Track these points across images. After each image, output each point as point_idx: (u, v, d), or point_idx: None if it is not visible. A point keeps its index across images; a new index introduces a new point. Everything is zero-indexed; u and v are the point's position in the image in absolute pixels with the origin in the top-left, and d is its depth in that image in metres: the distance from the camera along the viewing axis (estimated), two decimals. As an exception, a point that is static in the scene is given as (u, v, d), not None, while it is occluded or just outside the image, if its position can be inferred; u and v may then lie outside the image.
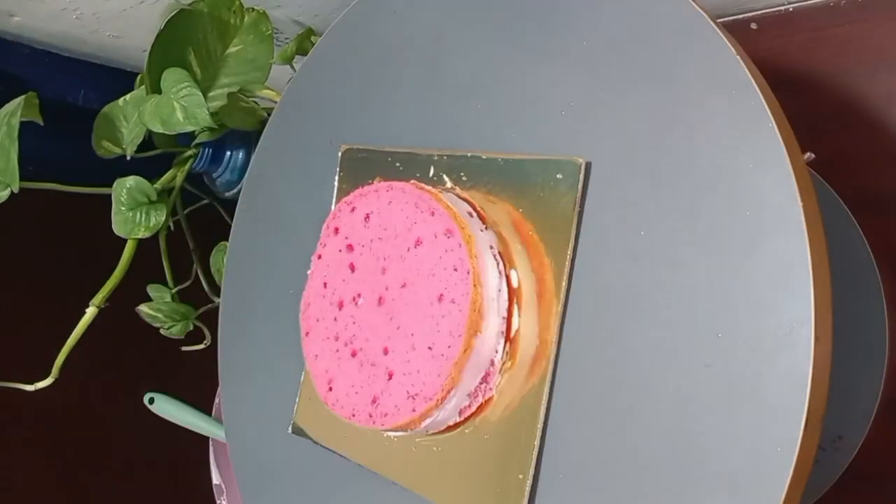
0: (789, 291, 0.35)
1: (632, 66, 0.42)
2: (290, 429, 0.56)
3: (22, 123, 0.69)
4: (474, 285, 0.42)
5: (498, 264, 0.44)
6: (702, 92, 0.39)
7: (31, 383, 0.77)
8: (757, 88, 0.37)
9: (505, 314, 0.44)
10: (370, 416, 0.47)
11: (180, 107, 0.73)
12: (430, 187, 0.47)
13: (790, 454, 0.33)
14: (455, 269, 0.43)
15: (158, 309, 0.85)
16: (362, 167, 0.55)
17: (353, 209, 0.50)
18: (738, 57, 0.38)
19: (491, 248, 0.44)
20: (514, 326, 0.44)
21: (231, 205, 0.77)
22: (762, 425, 0.34)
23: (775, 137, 0.36)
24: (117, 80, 0.90)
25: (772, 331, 0.35)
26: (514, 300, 0.44)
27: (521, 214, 0.45)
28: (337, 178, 0.57)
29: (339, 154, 0.57)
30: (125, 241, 0.79)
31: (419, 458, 0.48)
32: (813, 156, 0.37)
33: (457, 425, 0.46)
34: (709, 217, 0.38)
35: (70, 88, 0.88)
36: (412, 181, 0.49)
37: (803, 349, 0.34)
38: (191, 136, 0.83)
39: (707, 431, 0.36)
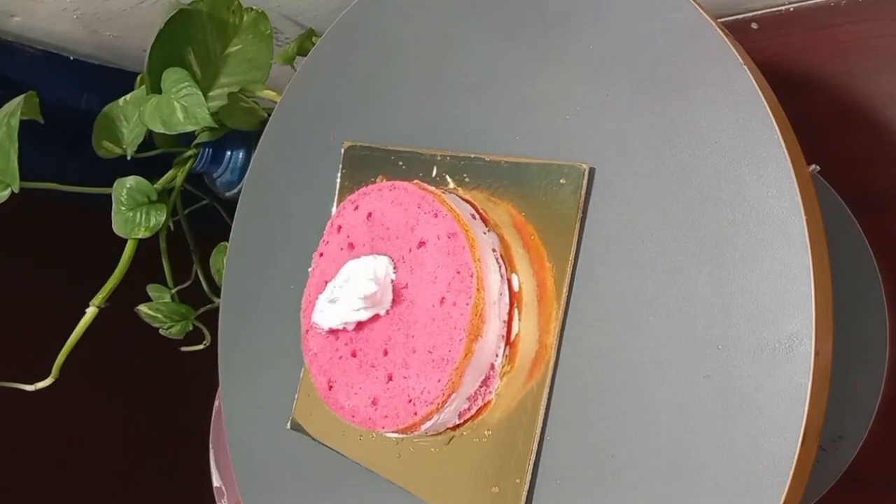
0: (791, 305, 0.34)
1: (637, 71, 0.42)
2: (288, 424, 0.56)
3: (22, 123, 0.69)
4: (477, 289, 0.42)
5: (500, 267, 0.44)
6: (707, 100, 0.39)
7: (31, 383, 0.77)
8: (763, 98, 0.37)
9: (506, 318, 0.44)
10: (370, 417, 0.47)
11: (181, 107, 0.73)
12: (433, 188, 0.47)
13: (788, 464, 0.33)
14: (458, 272, 0.43)
15: (158, 309, 0.85)
16: (365, 165, 0.55)
17: (356, 207, 0.50)
18: (745, 66, 0.38)
19: (493, 251, 0.44)
20: (515, 330, 0.44)
21: (231, 205, 0.77)
22: (760, 436, 0.34)
23: (780, 149, 0.36)
24: (117, 80, 0.90)
25: (772, 344, 0.35)
26: (515, 304, 0.44)
27: (523, 217, 0.45)
28: (339, 175, 0.57)
29: (342, 151, 0.57)
30: (125, 241, 0.79)
31: (417, 459, 0.48)
32: (818, 168, 0.37)
33: (455, 427, 0.46)
34: (711, 227, 0.37)
35: (70, 88, 0.88)
36: (415, 181, 0.49)
37: (803, 363, 0.34)
38: (191, 136, 0.83)
39: (705, 440, 0.36)
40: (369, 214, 0.49)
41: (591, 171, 0.42)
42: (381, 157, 0.54)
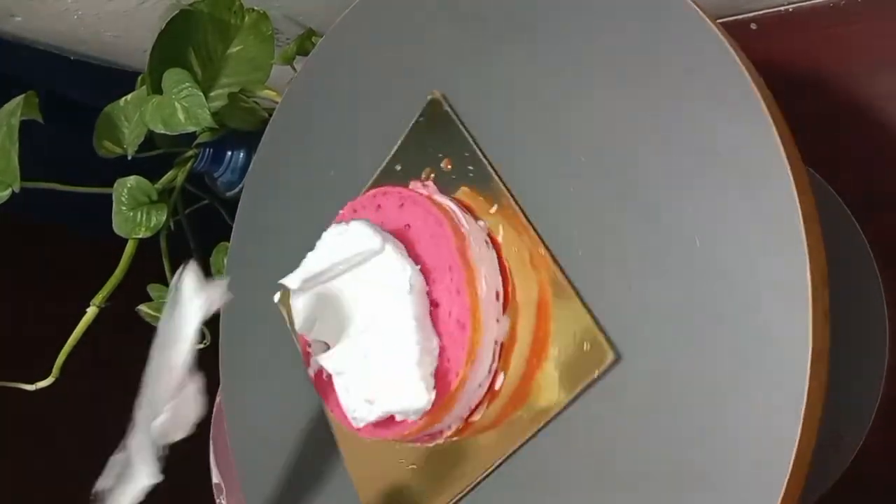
0: (788, 311, 0.34)
1: (637, 71, 0.42)
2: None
3: (23, 123, 0.69)
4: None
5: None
6: (706, 103, 0.38)
7: (31, 383, 0.77)
8: (762, 101, 0.36)
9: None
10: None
11: (181, 107, 0.73)
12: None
13: (787, 464, 0.33)
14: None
15: (158, 309, 0.85)
16: (432, 135, 0.50)
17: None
18: (744, 67, 0.37)
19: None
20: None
21: (232, 205, 0.77)
22: (758, 441, 0.34)
23: (778, 149, 0.36)
24: (118, 80, 0.89)
25: (769, 350, 0.35)
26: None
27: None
28: (413, 122, 0.52)
29: (428, 98, 0.51)
30: (126, 240, 0.79)
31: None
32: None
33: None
34: (709, 230, 0.37)
35: (71, 89, 0.88)
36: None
37: (800, 369, 0.34)
38: (191, 136, 0.83)
39: (705, 441, 0.36)
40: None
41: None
42: (455, 135, 0.49)
